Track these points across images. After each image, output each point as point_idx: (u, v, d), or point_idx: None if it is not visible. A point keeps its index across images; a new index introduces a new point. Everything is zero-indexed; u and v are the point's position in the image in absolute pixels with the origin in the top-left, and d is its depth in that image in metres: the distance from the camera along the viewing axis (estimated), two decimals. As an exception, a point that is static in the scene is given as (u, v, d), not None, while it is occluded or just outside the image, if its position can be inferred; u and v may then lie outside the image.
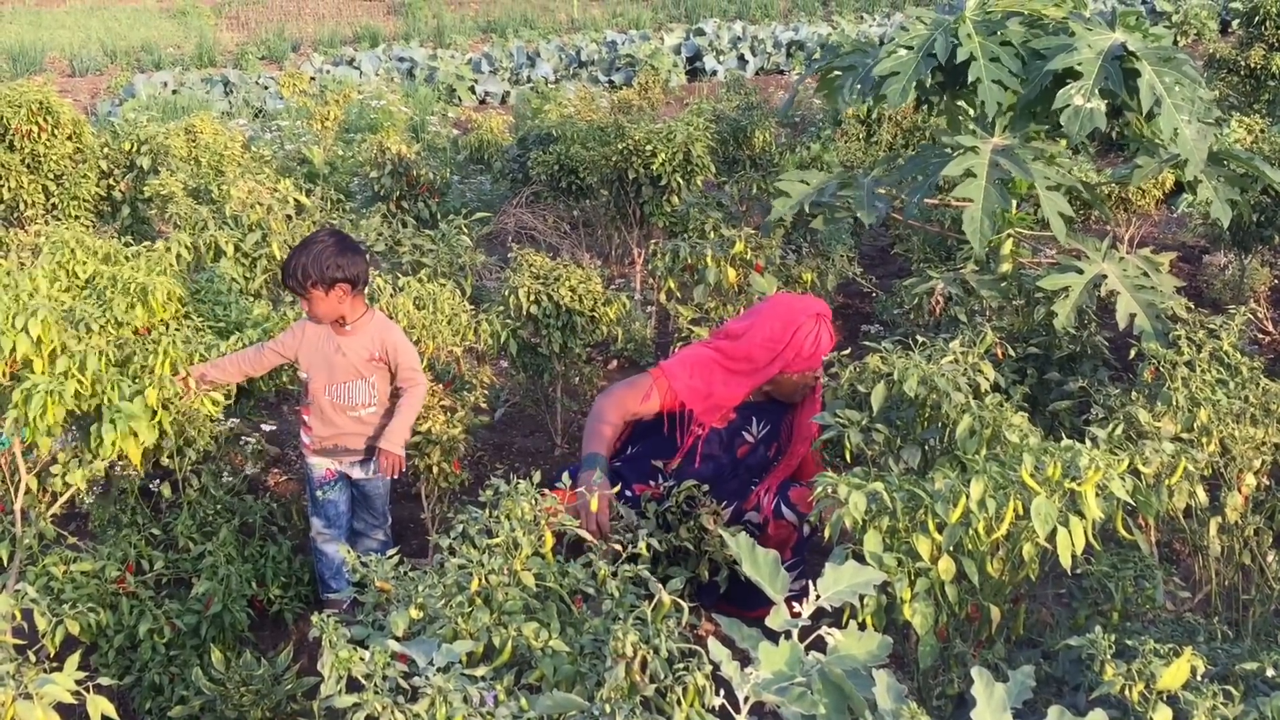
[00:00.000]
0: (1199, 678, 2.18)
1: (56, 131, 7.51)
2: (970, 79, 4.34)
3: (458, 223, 6.11)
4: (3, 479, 3.79)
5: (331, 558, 4.10)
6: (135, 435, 3.55)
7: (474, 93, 18.22)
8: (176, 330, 4.09)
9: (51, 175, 7.49)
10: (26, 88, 7.59)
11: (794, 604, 2.03)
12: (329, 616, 2.26)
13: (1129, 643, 2.30)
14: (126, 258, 4.38)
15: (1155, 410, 3.28)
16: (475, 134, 10.55)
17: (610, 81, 18.24)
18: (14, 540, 3.72)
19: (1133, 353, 3.85)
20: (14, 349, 3.46)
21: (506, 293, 5.02)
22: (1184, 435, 3.23)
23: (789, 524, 3.77)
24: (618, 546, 2.70)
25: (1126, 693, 2.17)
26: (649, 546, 2.75)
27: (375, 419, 4.03)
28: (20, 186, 7.36)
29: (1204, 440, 3.19)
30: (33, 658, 2.62)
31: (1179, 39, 16.24)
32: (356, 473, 4.10)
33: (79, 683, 2.33)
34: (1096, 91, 4.17)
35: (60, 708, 2.31)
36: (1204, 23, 16.77)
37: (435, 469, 4.12)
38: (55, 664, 2.52)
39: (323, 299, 3.85)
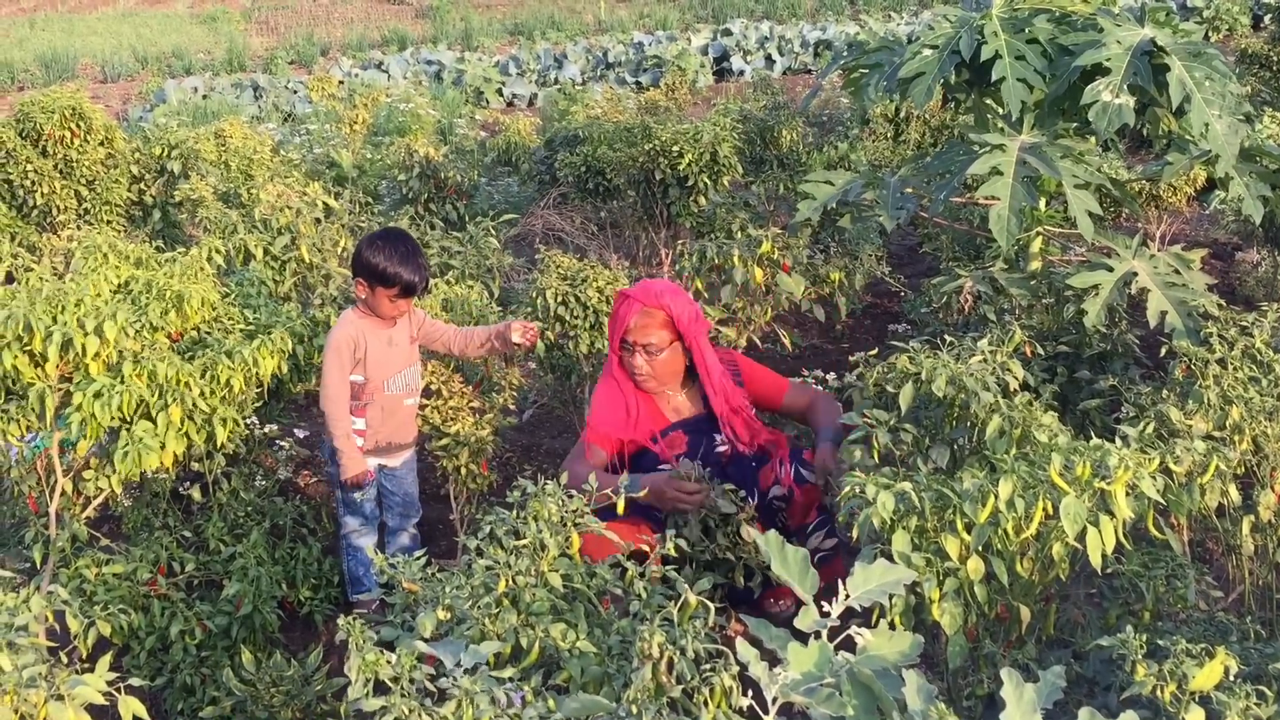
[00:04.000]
0: (1232, 678, 2.16)
1: (89, 137, 7.58)
2: (995, 77, 4.31)
3: (485, 224, 6.13)
4: (38, 481, 3.82)
5: (366, 553, 4.13)
6: (163, 447, 3.61)
7: (501, 95, 18.28)
8: (209, 333, 4.13)
9: (84, 180, 7.56)
10: (59, 94, 7.67)
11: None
12: (356, 618, 2.27)
13: (1160, 643, 2.28)
14: (159, 263, 4.41)
15: (1187, 408, 3.26)
16: (503, 136, 10.58)
17: (637, 82, 18.25)
18: (48, 542, 3.75)
19: (1164, 351, 3.83)
20: (81, 351, 3.52)
21: (534, 294, 5.02)
22: (1216, 433, 3.20)
23: (811, 484, 3.77)
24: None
25: (1158, 693, 2.15)
26: (677, 549, 2.75)
27: (417, 407, 4.16)
28: (53, 191, 7.43)
29: (1236, 438, 3.16)
30: (65, 659, 2.65)
31: (1210, 34, 16.10)
32: (394, 462, 4.15)
33: (111, 684, 2.35)
34: (1125, 87, 4.14)
35: (92, 709, 2.33)
36: (1235, 18, 16.63)
37: (464, 470, 4.14)
38: (87, 665, 2.54)
39: None
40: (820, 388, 4.23)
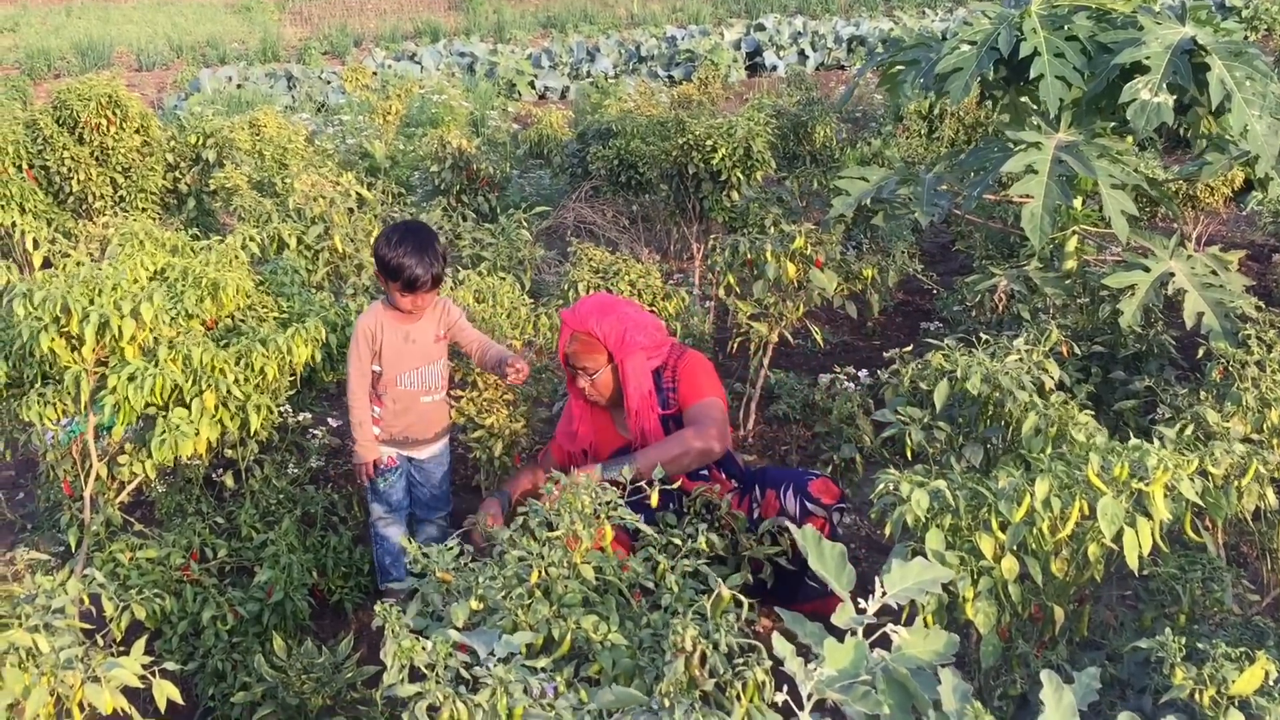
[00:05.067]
0: (1272, 683, 2.14)
1: (125, 125, 7.62)
2: (1033, 74, 4.29)
3: (517, 217, 6.13)
4: (74, 465, 3.85)
5: (393, 543, 4.14)
6: (197, 434, 3.63)
7: (534, 87, 18.29)
8: (243, 320, 4.14)
9: (119, 168, 7.61)
10: (96, 81, 7.71)
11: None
12: (392, 605, 2.27)
13: (1200, 646, 2.27)
14: (194, 250, 4.44)
15: (1224, 410, 3.23)
16: (535, 129, 10.58)
17: (669, 77, 18.24)
18: (82, 526, 3.78)
19: (1200, 352, 3.80)
20: (117, 334, 3.56)
21: (566, 286, 5.03)
22: (1254, 436, 3.18)
23: (819, 518, 3.74)
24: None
25: (1197, 697, 2.14)
26: (709, 543, 2.74)
27: (443, 403, 4.11)
28: (89, 179, 7.48)
29: (1275, 441, 3.14)
30: (100, 642, 2.67)
31: (1248, 34, 15.96)
32: (421, 455, 4.14)
33: (145, 667, 2.37)
34: (1164, 86, 4.11)
35: (125, 691, 2.35)
36: (1275, 17, 16.49)
37: (497, 462, 4.15)
38: (122, 649, 2.56)
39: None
40: (705, 425, 3.83)
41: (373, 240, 5.62)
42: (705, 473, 3.87)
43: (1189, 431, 3.03)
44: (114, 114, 7.57)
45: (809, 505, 3.70)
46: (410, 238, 3.86)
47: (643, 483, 2.91)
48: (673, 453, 3.70)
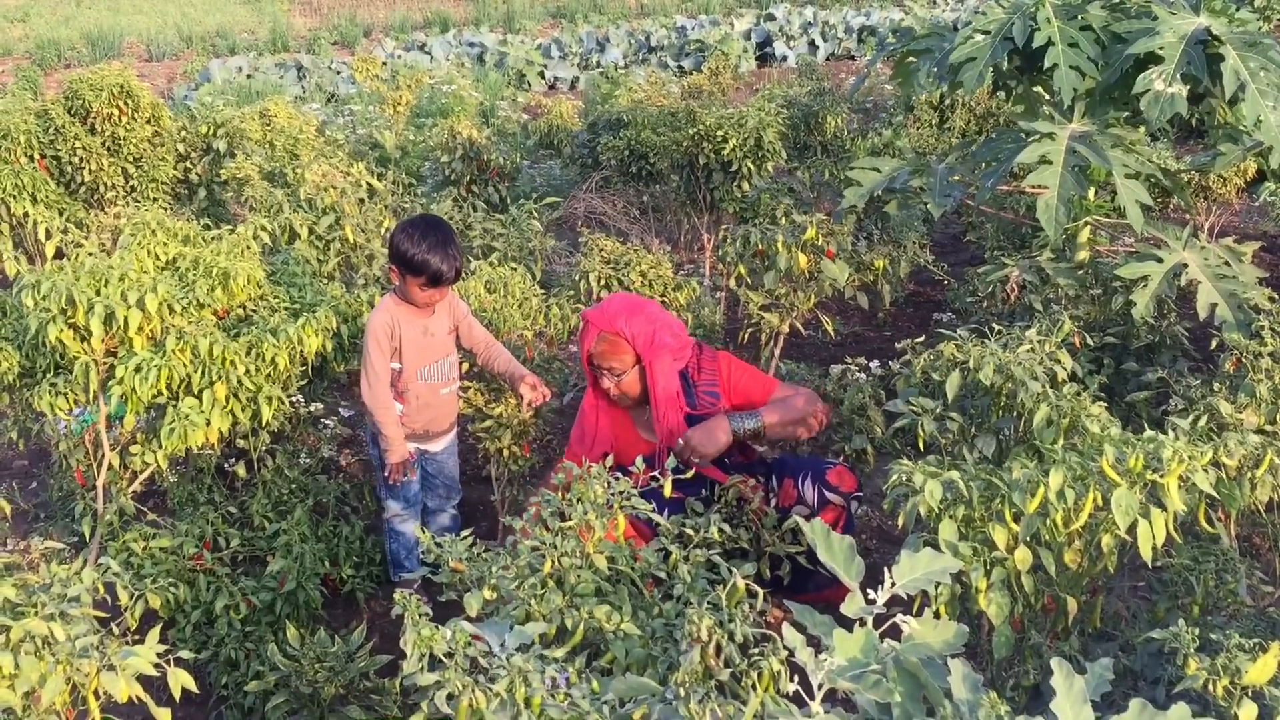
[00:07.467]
0: (1283, 674, 2.14)
1: (136, 115, 7.64)
2: (1047, 64, 4.27)
3: (528, 207, 6.13)
4: (86, 455, 3.87)
5: (408, 537, 4.14)
6: (208, 424, 3.64)
7: (543, 78, 18.26)
8: (254, 311, 4.15)
9: (131, 158, 7.62)
10: (107, 72, 7.73)
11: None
12: (411, 595, 2.28)
13: (1212, 637, 2.27)
14: (205, 240, 4.45)
15: (1237, 402, 3.22)
16: (545, 119, 10.55)
17: (680, 67, 18.20)
18: (95, 516, 3.79)
19: (1214, 343, 3.79)
20: (123, 324, 3.57)
21: (577, 277, 5.02)
22: (1267, 428, 3.17)
23: (837, 506, 3.73)
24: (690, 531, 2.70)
25: (1210, 688, 2.14)
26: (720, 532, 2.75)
27: (456, 394, 4.13)
28: (101, 169, 7.50)
29: (1288, 433, 3.13)
30: (115, 631, 2.68)
31: (1261, 25, 15.88)
32: (435, 447, 4.15)
33: (160, 656, 2.38)
34: (1178, 76, 4.09)
35: (140, 680, 2.36)
36: (1287, 7, 16.39)
37: (506, 452, 4.15)
38: (136, 637, 2.57)
39: None
40: (807, 388, 3.99)
41: (386, 233, 5.65)
42: (727, 461, 3.87)
43: (1202, 423, 3.03)
44: (125, 104, 7.58)
45: (827, 494, 3.70)
46: (431, 232, 3.86)
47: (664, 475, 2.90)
48: (797, 414, 3.84)
